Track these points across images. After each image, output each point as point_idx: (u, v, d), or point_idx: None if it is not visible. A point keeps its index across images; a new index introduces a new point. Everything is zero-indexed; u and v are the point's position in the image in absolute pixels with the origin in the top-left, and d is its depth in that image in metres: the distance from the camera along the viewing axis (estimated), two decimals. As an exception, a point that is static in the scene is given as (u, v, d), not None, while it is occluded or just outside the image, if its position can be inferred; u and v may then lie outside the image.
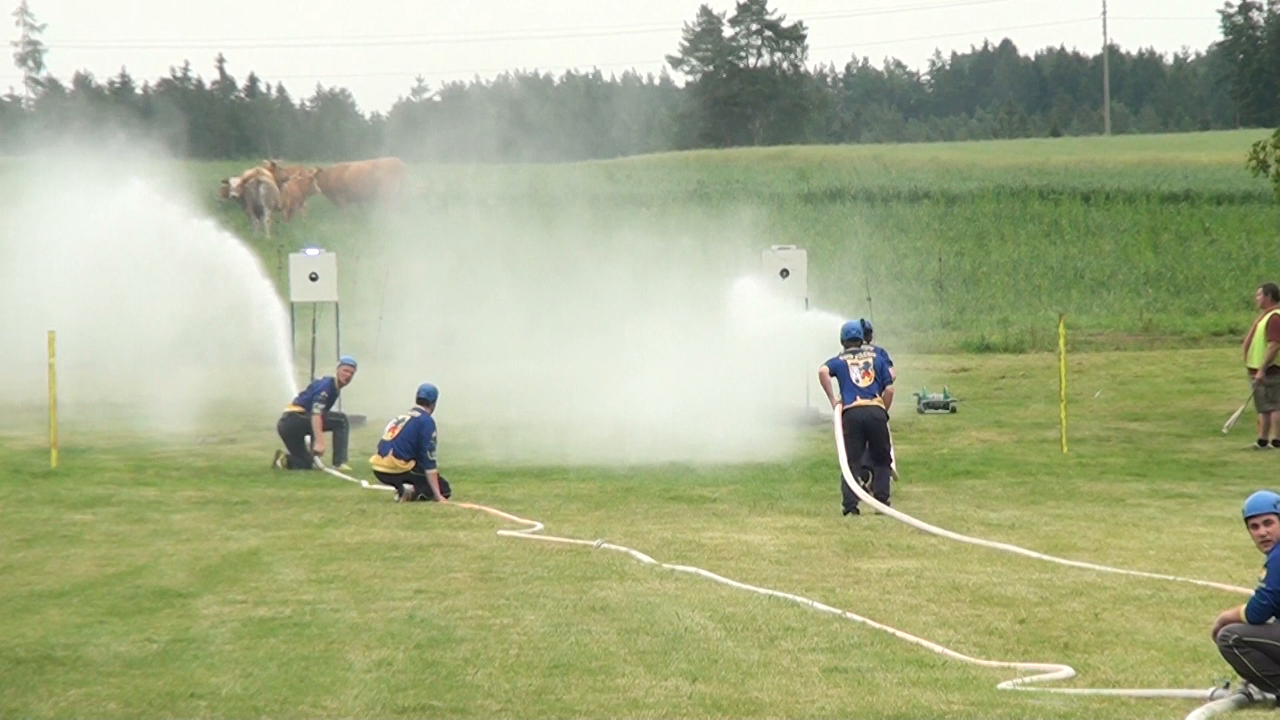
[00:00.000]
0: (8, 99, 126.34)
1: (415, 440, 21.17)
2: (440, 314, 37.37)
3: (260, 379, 29.93)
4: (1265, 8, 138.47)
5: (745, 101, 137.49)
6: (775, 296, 29.53)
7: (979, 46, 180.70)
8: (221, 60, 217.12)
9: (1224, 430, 26.87)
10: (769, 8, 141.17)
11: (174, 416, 29.00)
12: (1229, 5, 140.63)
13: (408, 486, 21.17)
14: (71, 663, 11.79)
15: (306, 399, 24.65)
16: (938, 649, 12.02)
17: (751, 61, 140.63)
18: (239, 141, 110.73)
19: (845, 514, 19.51)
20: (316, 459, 24.38)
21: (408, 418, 21.45)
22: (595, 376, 31.52)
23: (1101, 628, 12.85)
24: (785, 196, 64.22)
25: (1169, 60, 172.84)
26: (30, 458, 25.43)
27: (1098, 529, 18.32)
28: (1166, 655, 11.87)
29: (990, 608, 13.67)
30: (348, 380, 24.97)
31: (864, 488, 19.82)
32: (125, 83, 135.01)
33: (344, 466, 24.44)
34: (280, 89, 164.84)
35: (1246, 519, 10.76)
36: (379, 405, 27.66)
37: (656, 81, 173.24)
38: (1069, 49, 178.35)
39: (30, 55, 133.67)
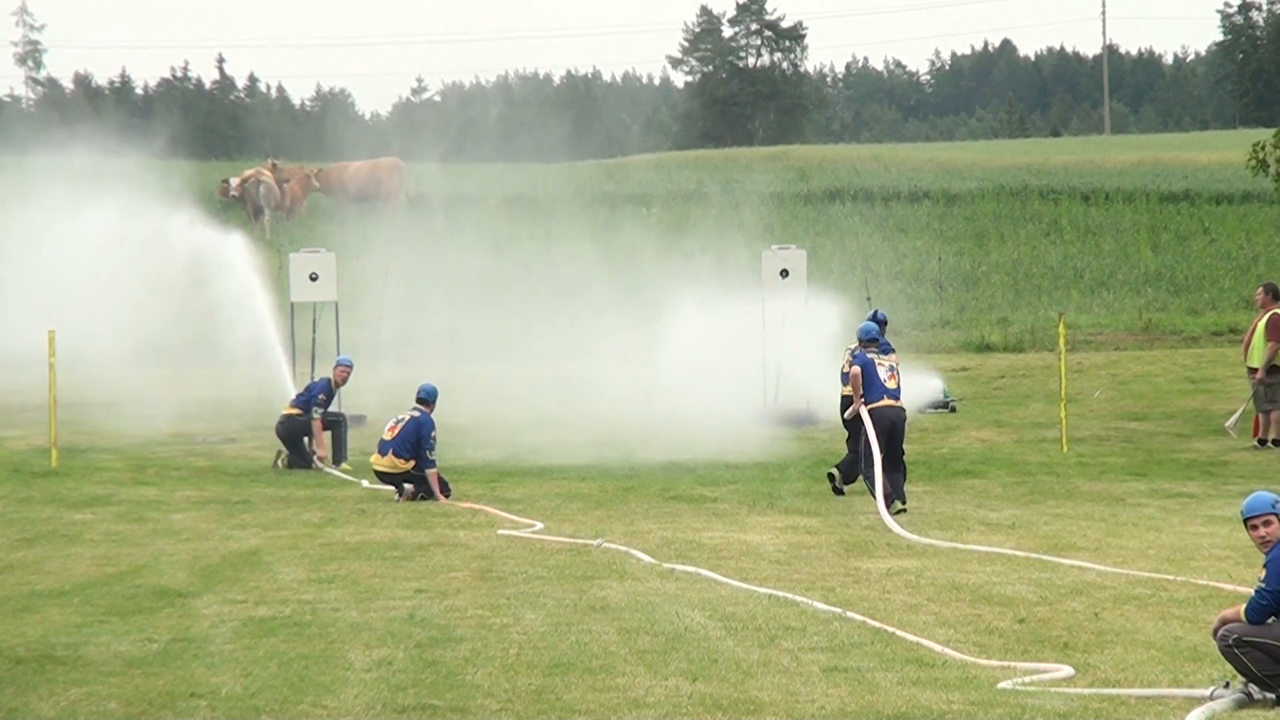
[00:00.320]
0: (7, 99, 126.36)
1: (415, 440, 21.17)
2: (440, 314, 37.41)
3: (259, 378, 29.90)
4: (1265, 7, 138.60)
5: (745, 101, 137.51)
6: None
7: (979, 46, 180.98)
8: (221, 60, 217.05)
9: (1227, 428, 26.83)
10: (769, 8, 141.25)
11: (175, 416, 29.02)
12: (1228, 5, 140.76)
13: (408, 486, 21.17)
14: (72, 662, 11.79)
15: (304, 401, 24.63)
16: (938, 648, 12.03)
17: (751, 61, 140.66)
18: (239, 141, 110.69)
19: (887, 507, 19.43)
20: (317, 461, 24.37)
21: (407, 417, 21.45)
22: (594, 375, 31.55)
23: (1101, 627, 12.85)
24: (785, 196, 64.21)
25: (1168, 60, 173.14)
26: (30, 457, 25.42)
27: (1097, 528, 18.32)
28: (1166, 655, 11.87)
29: (990, 607, 13.67)
30: (344, 381, 24.96)
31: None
32: (125, 83, 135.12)
33: (344, 466, 24.45)
34: (280, 89, 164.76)
35: (1245, 520, 10.75)
36: (378, 405, 27.67)
37: (656, 81, 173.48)
38: (1069, 49, 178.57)
39: (30, 55, 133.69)
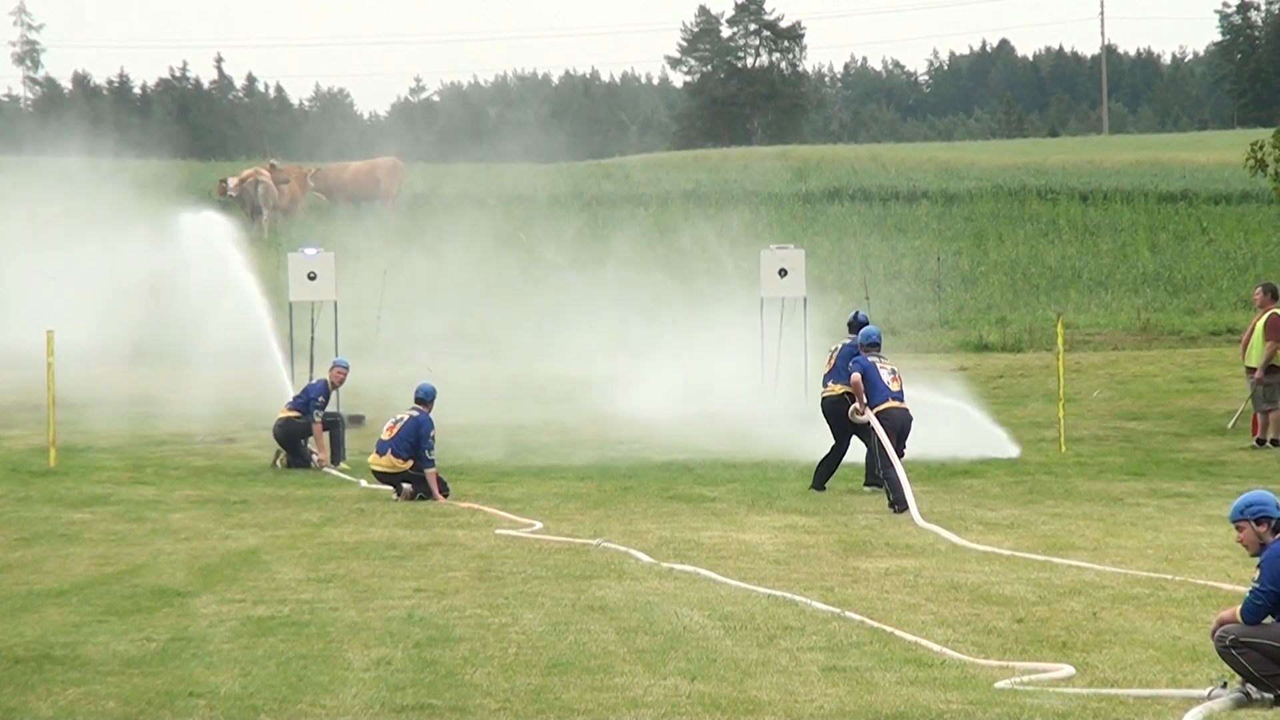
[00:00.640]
0: (5, 99, 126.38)
1: (414, 439, 21.17)
2: (440, 313, 37.40)
3: (255, 378, 29.89)
4: (1263, 8, 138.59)
5: (743, 101, 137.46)
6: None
7: (977, 46, 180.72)
8: (220, 60, 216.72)
9: (1230, 428, 26.82)
10: (767, 8, 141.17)
11: (175, 416, 29.01)
12: (1226, 5, 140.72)
13: (406, 485, 21.17)
14: (70, 662, 11.79)
15: (301, 404, 24.61)
16: (936, 648, 12.03)
17: (750, 61, 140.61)
18: (237, 141, 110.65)
19: (897, 511, 19.43)
20: (316, 463, 24.36)
21: (406, 417, 21.45)
22: (594, 375, 31.56)
23: (1100, 627, 12.85)
24: (783, 196, 64.19)
25: (1167, 60, 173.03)
26: (29, 457, 25.42)
27: (1096, 528, 18.32)
28: (1165, 654, 11.87)
29: (989, 607, 13.67)
30: (341, 382, 24.95)
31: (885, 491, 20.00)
32: (123, 82, 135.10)
33: (343, 465, 24.45)
34: (279, 89, 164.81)
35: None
36: (377, 404, 27.66)
37: (655, 81, 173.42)
38: (1067, 49, 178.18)
39: (28, 55, 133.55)
